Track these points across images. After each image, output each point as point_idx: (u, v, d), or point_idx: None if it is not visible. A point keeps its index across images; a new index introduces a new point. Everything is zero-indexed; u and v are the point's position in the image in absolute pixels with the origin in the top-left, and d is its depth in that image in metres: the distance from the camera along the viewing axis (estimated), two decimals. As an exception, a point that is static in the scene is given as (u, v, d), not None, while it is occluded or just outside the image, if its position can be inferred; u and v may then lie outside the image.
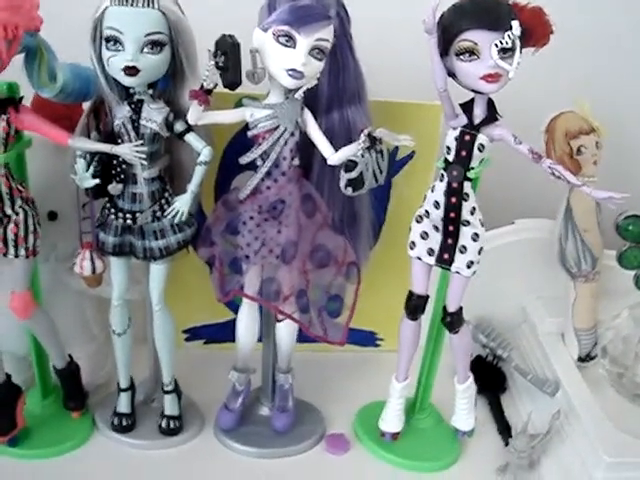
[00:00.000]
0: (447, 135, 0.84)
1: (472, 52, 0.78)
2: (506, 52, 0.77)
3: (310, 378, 1.06)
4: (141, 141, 0.82)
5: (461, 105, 0.83)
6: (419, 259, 0.89)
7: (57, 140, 0.83)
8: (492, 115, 0.83)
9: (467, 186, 0.84)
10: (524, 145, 0.82)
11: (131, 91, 0.82)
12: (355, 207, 0.92)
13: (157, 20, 0.78)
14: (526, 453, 0.95)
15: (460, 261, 0.87)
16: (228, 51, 0.77)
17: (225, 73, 0.78)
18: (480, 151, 0.83)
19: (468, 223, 0.85)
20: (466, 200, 0.84)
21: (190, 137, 0.84)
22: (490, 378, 1.11)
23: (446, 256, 0.87)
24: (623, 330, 1.08)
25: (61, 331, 0.96)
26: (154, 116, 0.82)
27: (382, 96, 0.93)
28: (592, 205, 1.05)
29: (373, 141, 0.81)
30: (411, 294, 0.92)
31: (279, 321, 0.92)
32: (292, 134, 0.83)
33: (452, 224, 0.86)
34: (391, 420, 0.99)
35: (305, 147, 0.86)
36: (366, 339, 1.16)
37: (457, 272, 0.87)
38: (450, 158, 0.84)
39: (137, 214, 0.86)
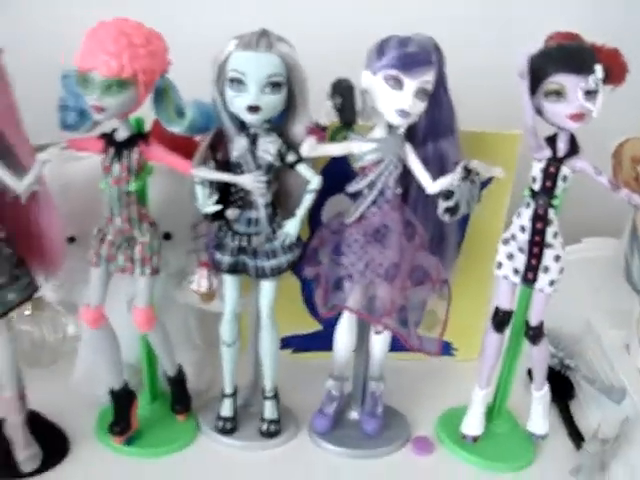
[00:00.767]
0: (533, 166, 0.96)
1: (559, 93, 0.89)
2: (590, 94, 0.88)
3: (393, 385, 1.17)
4: (262, 171, 0.94)
5: (546, 139, 0.95)
6: (505, 278, 1.01)
7: (181, 169, 0.95)
8: (574, 149, 0.94)
9: (551, 212, 0.96)
10: (604, 176, 0.94)
11: (248, 125, 0.95)
12: (444, 229, 1.04)
13: (276, 64, 0.90)
14: (598, 456, 1.07)
15: (543, 280, 0.98)
16: (344, 93, 0.90)
17: (342, 113, 0.91)
18: (564, 182, 0.95)
19: (551, 246, 0.97)
20: (550, 225, 0.96)
21: (301, 167, 0.96)
22: (559, 386, 1.22)
23: (530, 275, 0.99)
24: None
25: (171, 340, 1.08)
26: (269, 148, 0.95)
27: (463, 125, 1.06)
28: (657, 226, 1.17)
29: (468, 172, 0.93)
30: (497, 310, 1.04)
31: (377, 334, 1.04)
32: (395, 166, 0.95)
33: (537, 247, 0.97)
34: (473, 424, 1.11)
35: (402, 176, 0.98)
36: (443, 349, 1.28)
37: (540, 290, 0.99)
38: (536, 188, 0.96)
39: (252, 236, 0.98)
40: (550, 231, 0.96)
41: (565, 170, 0.94)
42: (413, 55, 0.89)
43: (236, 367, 1.09)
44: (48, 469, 1.03)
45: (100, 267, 0.97)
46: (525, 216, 0.97)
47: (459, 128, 1.00)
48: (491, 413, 1.14)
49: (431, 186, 0.94)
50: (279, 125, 0.97)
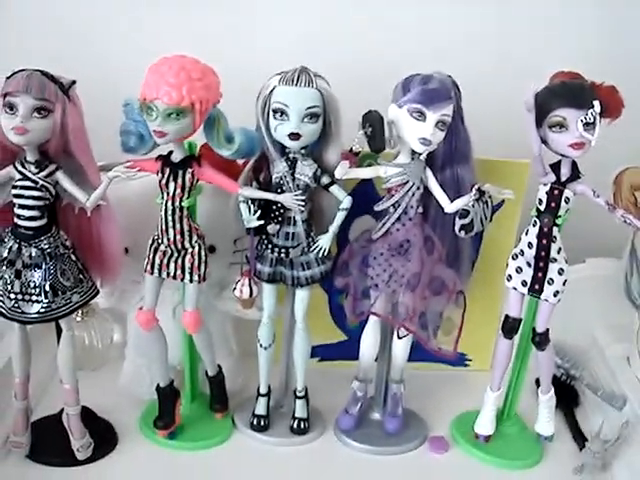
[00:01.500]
0: (539, 189, 1.12)
1: (562, 125, 1.05)
2: (589, 125, 1.04)
3: (413, 391, 1.31)
4: (300, 191, 1.10)
5: (551, 165, 1.11)
6: (514, 289, 1.16)
7: (229, 189, 1.10)
8: (576, 174, 1.10)
9: (555, 230, 1.11)
10: (601, 198, 1.09)
11: (287, 150, 1.11)
12: (459, 245, 1.19)
13: (315, 97, 1.06)
14: (600, 455, 1.20)
15: (548, 291, 1.13)
16: (374, 123, 1.06)
17: (372, 141, 1.07)
18: (566, 203, 1.10)
19: (555, 260, 1.12)
20: (554, 242, 1.11)
21: (334, 188, 1.11)
22: (565, 394, 1.36)
23: (537, 287, 1.14)
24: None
25: (213, 343, 1.24)
26: (306, 171, 1.10)
27: (480, 154, 1.21)
28: (654, 246, 1.32)
29: (481, 194, 1.09)
30: (507, 317, 1.19)
31: (400, 338, 1.19)
32: (418, 187, 1.10)
33: (542, 261, 1.13)
34: (485, 424, 1.25)
35: (423, 196, 1.13)
36: (457, 360, 1.42)
37: (546, 300, 1.14)
38: (542, 208, 1.11)
39: (289, 249, 1.13)
40: (554, 247, 1.12)
41: (567, 193, 1.09)
42: (435, 91, 1.05)
43: (271, 369, 1.24)
44: (99, 458, 1.18)
45: (154, 274, 1.13)
46: (532, 233, 1.12)
47: (474, 156, 1.16)
48: (501, 415, 1.29)
49: (449, 206, 1.10)
50: (314, 151, 1.12)
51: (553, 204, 1.11)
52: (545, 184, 1.11)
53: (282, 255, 1.14)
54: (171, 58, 1.03)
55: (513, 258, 1.16)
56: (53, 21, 1.46)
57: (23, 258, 1.06)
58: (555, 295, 1.13)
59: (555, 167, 1.11)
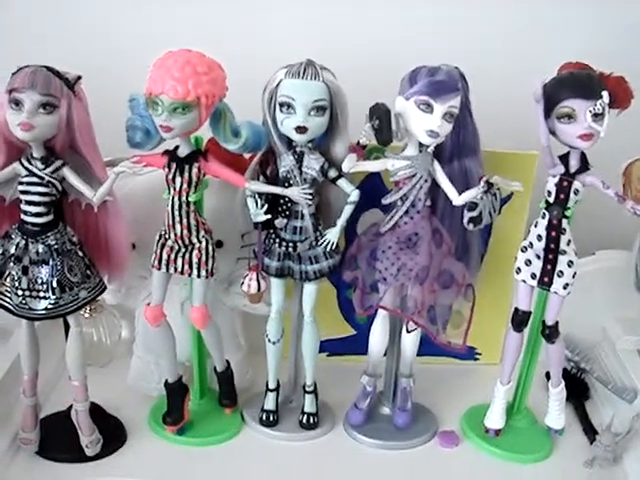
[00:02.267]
0: (548, 181, 1.12)
1: (570, 116, 1.05)
2: (597, 116, 1.04)
3: (422, 386, 1.31)
4: (307, 185, 1.10)
5: (559, 157, 1.11)
6: (524, 282, 1.16)
7: (236, 183, 1.11)
8: (585, 165, 1.10)
9: (564, 222, 1.11)
10: (611, 189, 1.09)
11: (294, 144, 1.11)
12: (468, 238, 1.19)
13: (322, 90, 1.06)
14: (611, 448, 1.20)
15: (558, 283, 1.13)
16: (382, 116, 1.07)
17: (379, 134, 1.07)
18: (575, 194, 1.10)
19: (565, 252, 1.12)
20: (563, 234, 1.12)
21: (342, 182, 1.12)
22: (575, 387, 1.37)
23: (546, 279, 1.14)
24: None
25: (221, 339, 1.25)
26: (313, 164, 1.11)
27: (489, 146, 1.21)
28: (665, 238, 1.32)
29: (490, 186, 1.09)
30: (517, 310, 1.19)
31: (409, 332, 1.19)
32: (426, 180, 1.10)
33: (552, 253, 1.13)
34: (495, 418, 1.26)
35: (431, 189, 1.14)
36: (467, 354, 1.42)
37: (555, 292, 1.14)
38: (550, 200, 1.11)
39: (297, 243, 1.14)
40: (564, 239, 1.12)
41: (576, 184, 1.09)
42: (442, 83, 1.05)
43: (280, 364, 1.25)
44: (108, 455, 1.20)
45: (161, 270, 1.14)
46: (541, 226, 1.12)
47: (482, 148, 1.16)
48: (512, 409, 1.29)
49: (457, 199, 1.10)
50: (322, 144, 1.13)
51: (562, 196, 1.11)
52: (554, 176, 1.11)
53: (290, 249, 1.15)
54: (176, 52, 1.03)
55: (522, 251, 1.16)
56: (57, 17, 1.46)
57: (30, 254, 1.07)
58: (565, 287, 1.13)
59: (564, 158, 1.11)
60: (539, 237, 1.13)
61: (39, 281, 1.07)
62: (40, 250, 1.07)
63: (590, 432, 1.29)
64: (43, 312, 1.08)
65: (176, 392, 1.23)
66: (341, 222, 1.13)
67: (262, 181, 1.14)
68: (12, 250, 1.08)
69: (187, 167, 1.09)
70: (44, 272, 1.08)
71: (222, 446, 1.24)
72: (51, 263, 1.07)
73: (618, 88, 1.09)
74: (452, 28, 1.47)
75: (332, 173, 1.12)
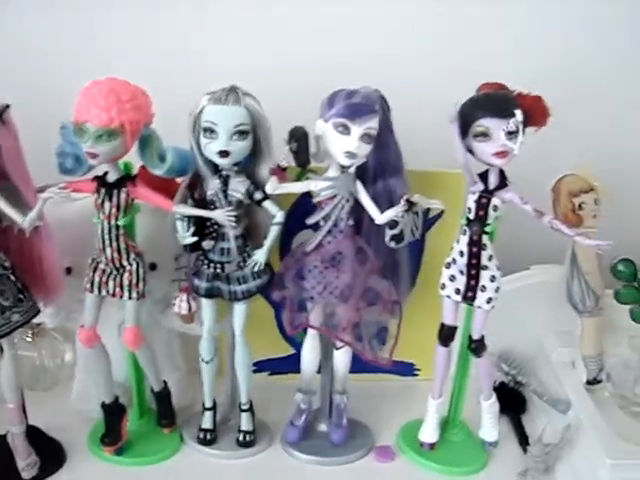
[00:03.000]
0: (468, 198, 1.15)
1: (485, 135, 1.08)
2: (511, 134, 1.07)
3: (361, 402, 1.35)
4: (232, 207, 1.13)
5: (479, 174, 1.15)
6: (448, 297, 1.19)
7: (164, 207, 1.14)
8: (503, 182, 1.13)
9: (485, 238, 1.15)
10: (529, 205, 1.12)
11: (220, 167, 1.14)
12: (396, 256, 1.22)
13: (243, 115, 1.10)
14: (541, 458, 1.23)
15: (481, 298, 1.17)
16: (300, 139, 1.10)
17: (297, 156, 1.11)
18: (494, 211, 1.13)
19: (487, 268, 1.15)
20: (484, 249, 1.15)
21: (267, 204, 1.15)
22: (512, 401, 1.40)
23: (470, 294, 1.17)
24: (623, 357, 1.37)
25: (157, 359, 1.27)
26: (239, 187, 1.14)
27: (418, 165, 1.24)
28: (593, 252, 1.33)
29: (411, 205, 1.12)
30: (443, 325, 1.22)
31: (337, 349, 1.22)
32: (347, 200, 1.14)
33: (474, 269, 1.16)
34: (428, 432, 1.28)
35: (356, 209, 1.17)
36: (406, 370, 1.46)
37: (479, 307, 1.17)
38: (471, 217, 1.15)
39: (225, 264, 1.17)
40: (485, 254, 1.15)
41: (495, 201, 1.13)
42: (358, 105, 1.08)
43: (214, 382, 1.27)
44: (46, 477, 1.21)
45: (93, 292, 1.16)
46: (462, 242, 1.16)
47: (411, 167, 1.19)
48: (447, 423, 1.32)
49: (379, 218, 1.13)
50: (247, 167, 1.16)
51: (481, 212, 1.14)
52: (473, 193, 1.15)
53: (218, 270, 1.18)
54: (101, 81, 1.07)
55: (446, 267, 1.19)
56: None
57: (-38, 279, 1.10)
58: (488, 302, 1.17)
59: (483, 176, 1.14)
60: (461, 253, 1.16)
61: (-29, 305, 1.10)
62: (-28, 275, 1.10)
63: (525, 443, 1.31)
64: (-25, 336, 1.11)
65: (113, 413, 1.25)
66: (268, 243, 1.16)
67: (190, 204, 1.17)
68: (-55, 275, 1.11)
69: (116, 192, 1.12)
70: (-24, 296, 1.11)
71: (160, 465, 1.26)
72: (-18, 288, 1.10)
73: (534, 107, 1.12)
74: (374, 46, 1.50)
75: (258, 195, 1.15)
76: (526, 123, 1.09)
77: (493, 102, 1.10)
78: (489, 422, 1.27)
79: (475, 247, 1.15)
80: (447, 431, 1.32)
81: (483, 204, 1.14)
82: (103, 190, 1.12)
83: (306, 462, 1.27)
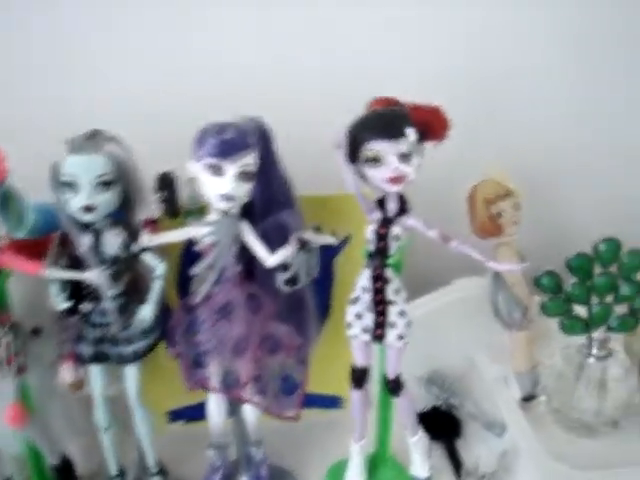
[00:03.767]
0: (367, 229, 1.04)
1: (376, 159, 0.96)
2: (405, 157, 0.96)
3: (284, 443, 1.26)
4: (104, 266, 1.02)
5: (377, 201, 1.03)
6: (356, 337, 1.08)
7: (33, 272, 1.02)
8: (404, 208, 1.02)
9: (388, 271, 1.04)
10: (434, 230, 1.01)
11: (88, 223, 1.02)
12: (298, 295, 1.10)
13: (104, 163, 0.98)
14: (478, 491, 1.15)
15: (392, 335, 1.06)
16: (167, 187, 0.98)
17: (165, 205, 0.99)
18: (396, 241, 1.02)
19: (394, 302, 1.05)
20: (389, 283, 1.04)
21: (146, 256, 1.04)
22: (446, 425, 1.31)
23: (379, 332, 1.07)
24: (557, 369, 1.27)
25: (53, 429, 1.16)
26: (113, 241, 1.02)
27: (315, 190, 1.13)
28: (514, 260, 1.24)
29: (303, 244, 1.01)
30: (353, 368, 1.11)
31: (243, 402, 1.11)
32: (230, 246, 1.01)
33: (380, 305, 1.05)
34: (354, 476, 1.18)
35: (247, 251, 1.05)
36: (331, 402, 1.35)
37: (390, 346, 1.07)
38: (371, 249, 1.03)
39: (109, 326, 1.06)
40: (390, 289, 1.04)
41: (396, 229, 1.01)
42: (229, 141, 0.95)
43: (118, 449, 1.16)
44: None
45: (-31, 369, 1.05)
46: (364, 277, 1.05)
47: (297, 198, 1.07)
48: (375, 461, 1.22)
49: (268, 261, 1.01)
50: (122, 218, 1.04)
51: (382, 244, 1.03)
52: (372, 222, 1.03)
53: (102, 333, 1.07)
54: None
55: (352, 303, 1.08)
56: None
57: None
58: (400, 339, 1.06)
59: (381, 203, 1.03)
60: (364, 289, 1.05)
61: None
62: None
63: (459, 472, 1.22)
64: None
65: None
66: (152, 298, 1.05)
67: (65, 263, 1.05)
68: None
69: (-23, 262, 1.01)
70: None
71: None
72: None
73: (432, 120, 1.00)
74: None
75: (135, 248, 1.04)
76: (423, 140, 0.98)
77: (381, 122, 0.97)
78: (419, 458, 1.17)
79: (378, 282, 1.04)
80: (376, 469, 1.22)
81: (382, 235, 1.02)
82: (-38, 261, 1.01)
83: (227, 521, 1.18)
